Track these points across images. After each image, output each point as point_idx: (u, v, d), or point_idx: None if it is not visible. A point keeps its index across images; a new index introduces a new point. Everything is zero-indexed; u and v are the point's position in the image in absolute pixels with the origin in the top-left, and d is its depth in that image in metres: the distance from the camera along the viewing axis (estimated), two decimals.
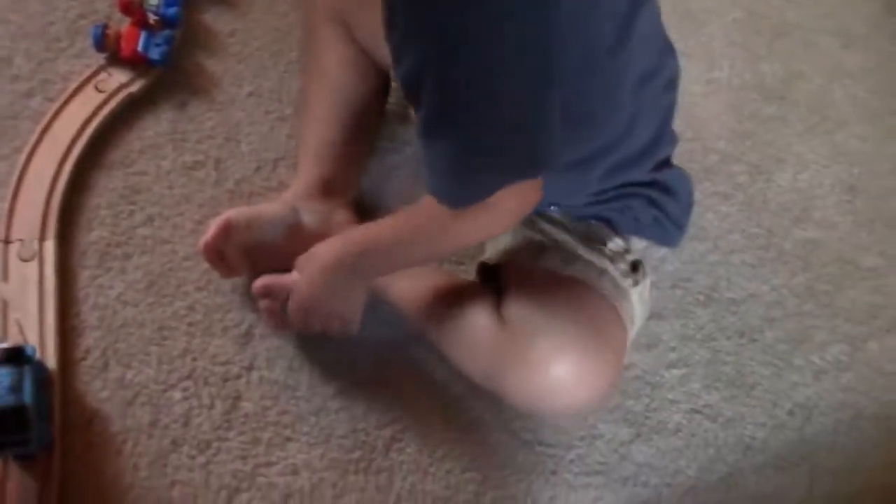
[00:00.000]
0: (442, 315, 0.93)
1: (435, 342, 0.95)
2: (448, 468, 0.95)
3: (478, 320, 0.89)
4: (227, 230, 0.93)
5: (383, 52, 0.98)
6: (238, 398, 0.94)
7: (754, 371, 1.06)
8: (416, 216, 0.86)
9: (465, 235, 0.86)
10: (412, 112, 0.85)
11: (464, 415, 0.97)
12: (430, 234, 0.85)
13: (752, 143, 1.22)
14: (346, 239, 0.90)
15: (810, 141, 1.25)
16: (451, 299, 0.93)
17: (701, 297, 1.10)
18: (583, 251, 0.88)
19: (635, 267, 0.90)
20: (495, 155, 0.75)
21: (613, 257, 0.89)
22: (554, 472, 0.97)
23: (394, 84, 1.06)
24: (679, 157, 1.18)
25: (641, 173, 0.90)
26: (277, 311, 0.94)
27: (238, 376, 0.95)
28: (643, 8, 0.80)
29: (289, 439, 0.93)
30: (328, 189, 0.99)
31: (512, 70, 0.70)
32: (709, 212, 1.15)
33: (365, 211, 1.03)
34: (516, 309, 0.87)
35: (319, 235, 0.94)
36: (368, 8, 0.99)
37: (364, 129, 1.04)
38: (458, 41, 0.68)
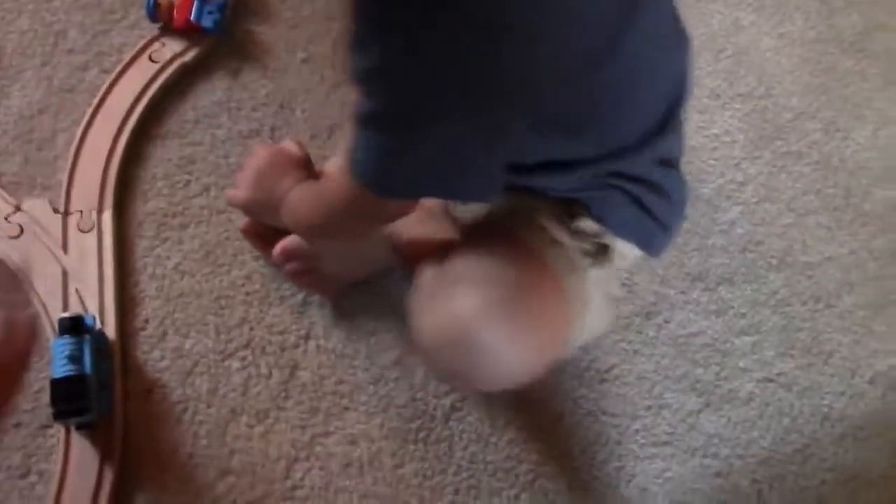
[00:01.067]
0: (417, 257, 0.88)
1: None
2: (510, 438, 0.93)
3: (424, 268, 0.83)
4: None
5: None
6: (296, 367, 0.94)
7: (831, 338, 1.01)
8: (328, 185, 0.85)
9: (355, 217, 0.81)
10: None
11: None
12: (334, 205, 0.80)
13: (828, 99, 1.16)
14: (293, 197, 0.88)
15: (892, 96, 1.18)
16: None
17: (773, 261, 1.04)
18: (542, 218, 0.81)
19: (600, 250, 0.82)
20: (429, 174, 0.69)
21: (576, 232, 0.81)
22: (619, 443, 0.94)
23: None
24: (749, 115, 1.14)
25: (629, 166, 0.81)
26: (303, 272, 0.94)
27: (295, 345, 0.95)
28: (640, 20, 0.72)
29: (347, 408, 0.92)
30: None
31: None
32: (781, 172, 1.10)
33: None
34: (454, 256, 0.81)
35: None
36: None
37: None
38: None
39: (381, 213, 0.78)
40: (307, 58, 1.10)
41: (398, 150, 0.69)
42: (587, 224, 0.81)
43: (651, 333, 0.99)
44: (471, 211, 0.95)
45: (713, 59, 1.16)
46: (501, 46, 0.62)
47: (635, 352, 0.98)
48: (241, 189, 0.94)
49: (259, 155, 0.95)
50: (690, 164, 1.06)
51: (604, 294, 0.84)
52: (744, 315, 1.01)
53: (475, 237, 0.84)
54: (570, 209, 0.81)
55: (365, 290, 0.97)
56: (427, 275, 0.82)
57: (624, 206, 0.82)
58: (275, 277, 0.97)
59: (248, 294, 0.96)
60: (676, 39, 0.79)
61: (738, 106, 1.13)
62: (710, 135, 1.11)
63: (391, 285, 0.97)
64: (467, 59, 0.62)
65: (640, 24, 0.70)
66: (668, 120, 0.80)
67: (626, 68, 0.71)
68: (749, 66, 1.16)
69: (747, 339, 1.00)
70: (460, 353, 0.75)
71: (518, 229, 0.81)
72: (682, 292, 1.01)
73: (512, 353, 0.75)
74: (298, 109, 1.07)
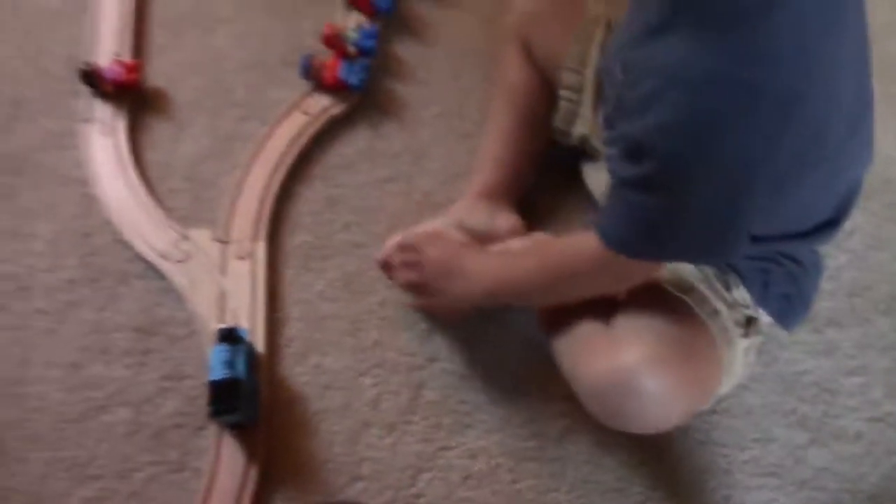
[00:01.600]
0: (560, 315, 0.97)
1: (548, 338, 0.98)
2: (621, 461, 0.98)
3: (584, 319, 0.93)
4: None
5: (555, 74, 1.05)
6: (422, 387, 1.02)
7: None
8: (564, 252, 0.92)
9: (602, 283, 0.90)
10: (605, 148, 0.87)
11: None
12: (574, 272, 0.89)
13: None
14: (496, 273, 0.95)
15: None
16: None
17: (882, 306, 1.08)
18: (702, 286, 0.89)
19: (749, 322, 0.91)
20: (689, 235, 0.78)
21: (731, 304, 0.89)
22: (727, 472, 0.97)
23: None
24: None
25: (792, 247, 0.90)
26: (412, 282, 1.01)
27: (422, 367, 1.03)
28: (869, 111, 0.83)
29: (468, 426, 0.99)
30: (494, 194, 1.07)
31: (743, 169, 0.73)
32: (889, 222, 1.14)
33: (528, 211, 1.10)
34: (621, 315, 0.90)
35: (483, 238, 1.02)
36: (545, 29, 1.07)
37: (536, 143, 1.11)
38: (717, 128, 0.71)
39: (630, 276, 0.87)
40: (439, 113, 1.22)
41: (660, 212, 0.77)
42: (742, 294, 0.90)
43: (759, 370, 1.02)
44: None
45: None
46: (783, 127, 0.70)
47: (744, 387, 1.01)
48: (431, 287, 0.98)
49: (430, 254, 0.98)
50: None
51: (744, 361, 0.92)
52: (852, 357, 1.04)
53: (641, 299, 0.91)
54: (725, 278, 0.90)
55: (485, 317, 1.05)
56: (584, 330, 0.93)
57: (778, 280, 0.91)
58: (405, 305, 1.06)
59: (381, 319, 1.06)
60: (869, 152, 0.87)
61: None
62: None
63: (509, 313, 1.05)
64: (747, 133, 0.70)
65: (855, 137, 0.81)
66: (842, 217, 0.88)
67: (832, 173, 0.81)
68: None
69: (855, 379, 1.03)
70: (622, 397, 0.85)
71: (681, 295, 0.89)
72: (791, 332, 1.05)
73: (667, 403, 0.85)
74: (430, 158, 1.18)
